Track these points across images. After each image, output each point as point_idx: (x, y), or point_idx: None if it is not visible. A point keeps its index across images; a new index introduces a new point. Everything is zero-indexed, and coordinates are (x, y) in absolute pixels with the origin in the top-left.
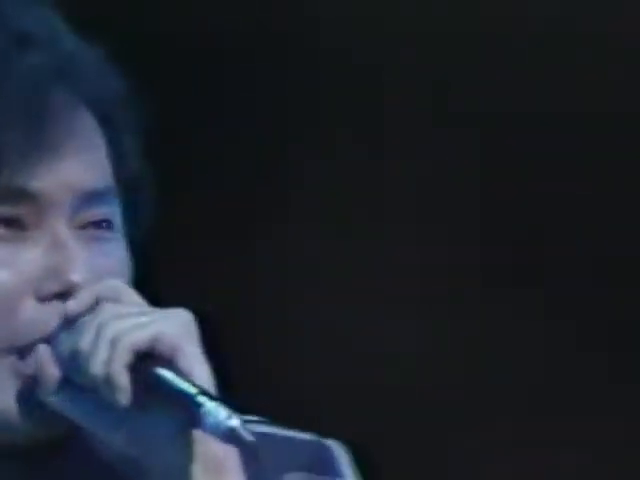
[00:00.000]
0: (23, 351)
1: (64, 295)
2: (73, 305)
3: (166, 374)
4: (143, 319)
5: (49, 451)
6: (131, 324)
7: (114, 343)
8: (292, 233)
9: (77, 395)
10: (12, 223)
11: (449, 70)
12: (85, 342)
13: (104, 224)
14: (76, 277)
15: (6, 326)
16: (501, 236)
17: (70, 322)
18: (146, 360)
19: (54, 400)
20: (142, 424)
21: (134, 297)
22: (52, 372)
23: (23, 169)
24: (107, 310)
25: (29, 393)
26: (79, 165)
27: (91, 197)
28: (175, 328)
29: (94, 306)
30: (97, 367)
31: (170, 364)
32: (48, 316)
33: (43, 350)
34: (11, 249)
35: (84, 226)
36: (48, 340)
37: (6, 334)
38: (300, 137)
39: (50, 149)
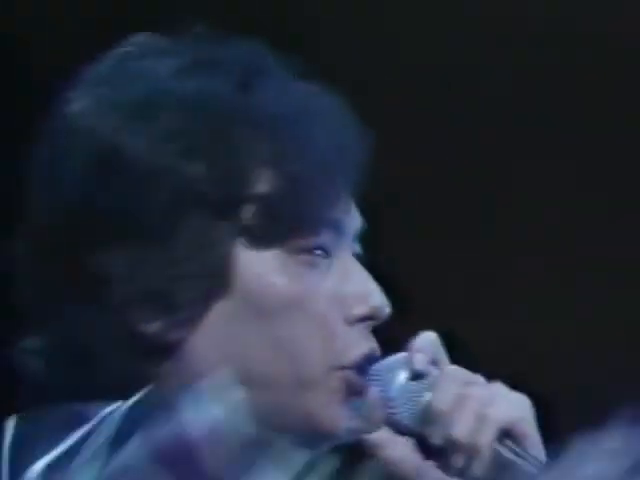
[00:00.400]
0: (350, 368)
1: (370, 319)
2: (420, 360)
3: (526, 455)
4: (500, 395)
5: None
6: (494, 400)
7: (483, 418)
8: None
9: (411, 443)
10: (321, 250)
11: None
12: (445, 405)
13: (360, 258)
14: (378, 302)
15: (329, 346)
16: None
17: (414, 375)
18: (502, 436)
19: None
20: None
21: (446, 356)
22: (380, 414)
23: (333, 204)
24: (457, 375)
25: (353, 414)
26: (353, 204)
27: (359, 234)
28: (527, 413)
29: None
30: (460, 434)
31: (521, 445)
32: (358, 339)
33: (374, 391)
34: (320, 276)
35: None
36: (370, 362)
37: (331, 353)
38: None
39: (346, 195)
